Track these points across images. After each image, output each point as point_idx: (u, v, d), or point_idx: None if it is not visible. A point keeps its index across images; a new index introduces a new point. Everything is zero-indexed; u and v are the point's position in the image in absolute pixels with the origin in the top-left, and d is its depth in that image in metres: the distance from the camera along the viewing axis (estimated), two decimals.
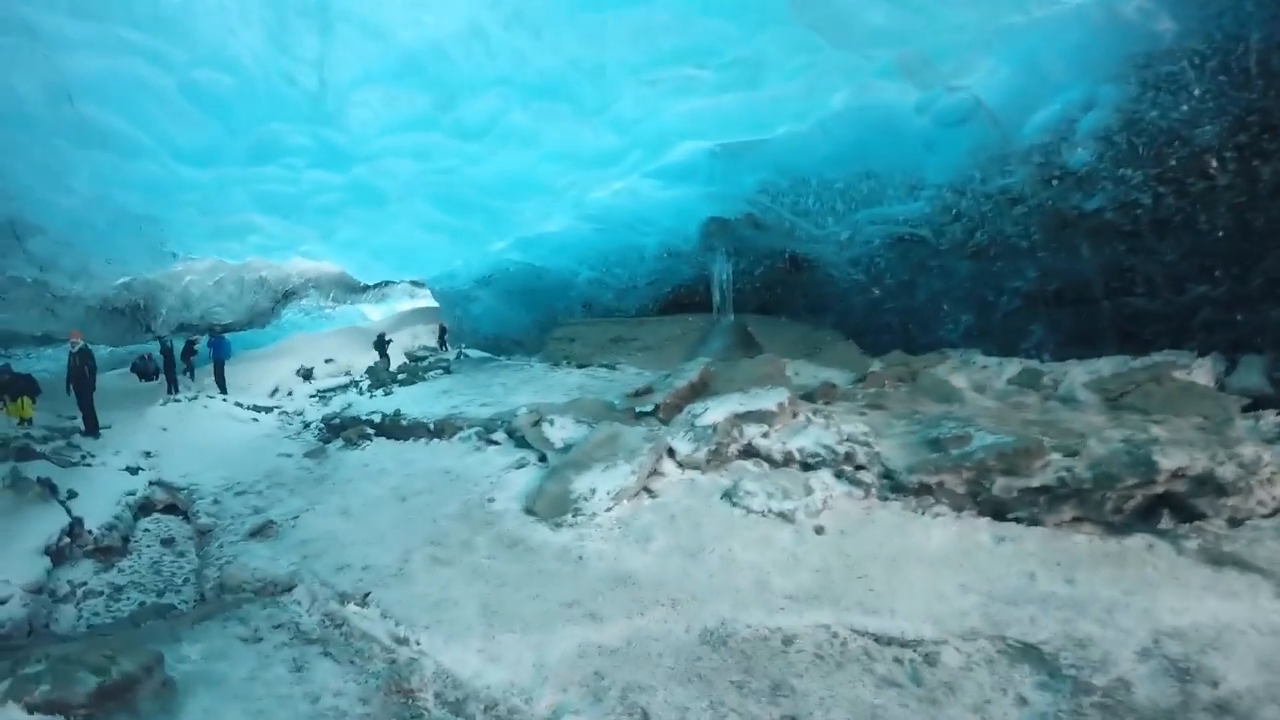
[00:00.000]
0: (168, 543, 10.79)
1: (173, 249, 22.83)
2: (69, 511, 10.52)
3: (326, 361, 32.89)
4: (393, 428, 13.50)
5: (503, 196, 19.87)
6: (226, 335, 26.14)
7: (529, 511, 7.96)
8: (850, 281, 16.81)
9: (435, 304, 36.80)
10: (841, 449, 8.00)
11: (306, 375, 30.16)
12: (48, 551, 9.22)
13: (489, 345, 28.67)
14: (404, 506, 9.15)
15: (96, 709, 4.51)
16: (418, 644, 5.79)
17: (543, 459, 9.35)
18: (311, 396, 22.48)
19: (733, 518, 7.23)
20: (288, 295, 35.82)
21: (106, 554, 10.04)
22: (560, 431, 9.47)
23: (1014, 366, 12.04)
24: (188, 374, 25.52)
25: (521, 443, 10.19)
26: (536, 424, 9.96)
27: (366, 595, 6.71)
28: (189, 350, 25.94)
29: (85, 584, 9.19)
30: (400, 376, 20.95)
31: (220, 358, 24.76)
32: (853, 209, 15.56)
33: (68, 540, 9.86)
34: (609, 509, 7.51)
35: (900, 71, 13.04)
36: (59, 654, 4.87)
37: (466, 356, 25.74)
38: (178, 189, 18.64)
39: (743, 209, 17.40)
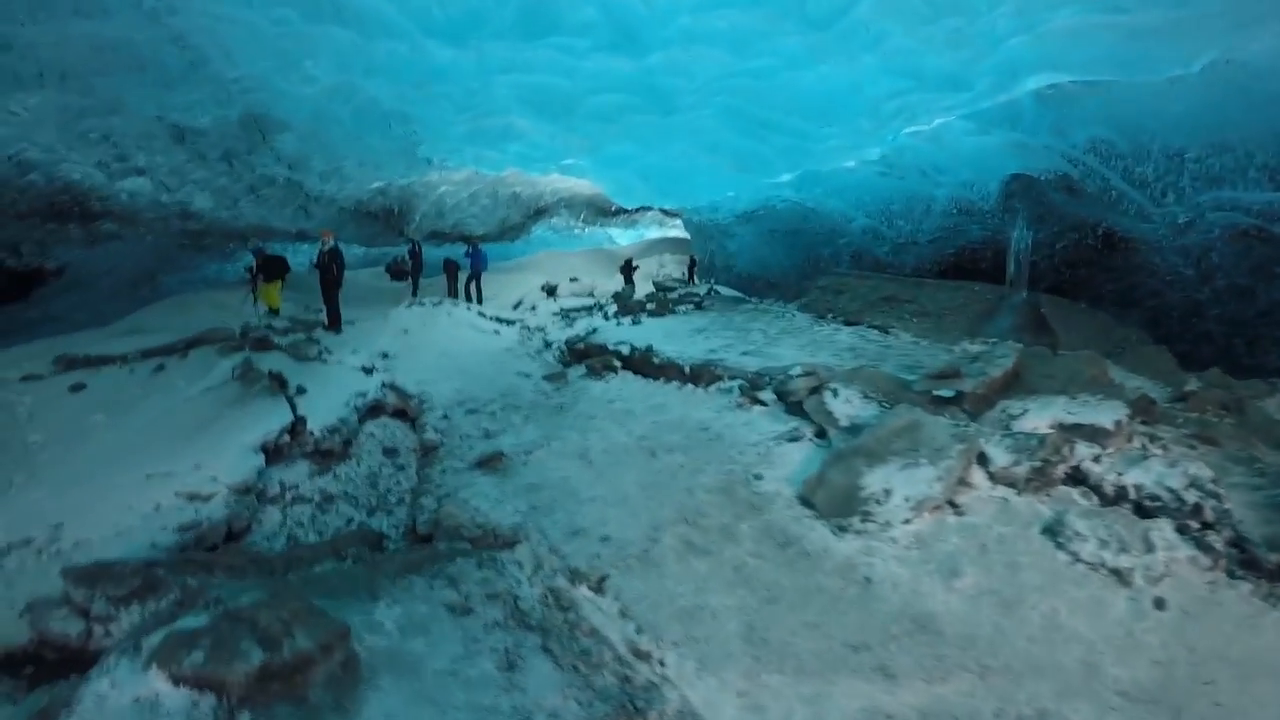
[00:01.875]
0: (390, 453, 10.54)
1: (426, 154, 22.27)
2: (294, 409, 10.39)
3: (571, 280, 33.06)
4: (642, 363, 12.55)
5: (814, 117, 17.81)
6: (481, 246, 26.22)
7: (805, 502, 6.66)
8: (1174, 274, 14.41)
9: (685, 235, 36.34)
10: (1189, 496, 6.22)
11: (551, 292, 30.04)
12: (264, 449, 9.22)
13: (742, 285, 27.30)
14: (653, 464, 8.03)
15: (257, 693, 3.47)
16: (661, 664, 4.72)
17: (821, 434, 7.97)
18: (555, 314, 22.04)
19: (1057, 563, 5.70)
20: (539, 212, 36.53)
21: (326, 457, 9.86)
22: (845, 406, 8.05)
23: None
24: (457, 288, 25.77)
25: (794, 409, 8.84)
26: (816, 391, 8.59)
27: (603, 579, 5.71)
28: (450, 265, 26.32)
29: (297, 487, 9.12)
30: (649, 306, 19.91)
31: (478, 268, 25.01)
32: (1199, 188, 13.16)
33: (288, 439, 9.76)
34: (906, 520, 6.11)
35: None
36: (229, 607, 3.90)
37: (718, 294, 24.55)
38: (430, 78, 17.02)
39: (1059, 168, 15.22)
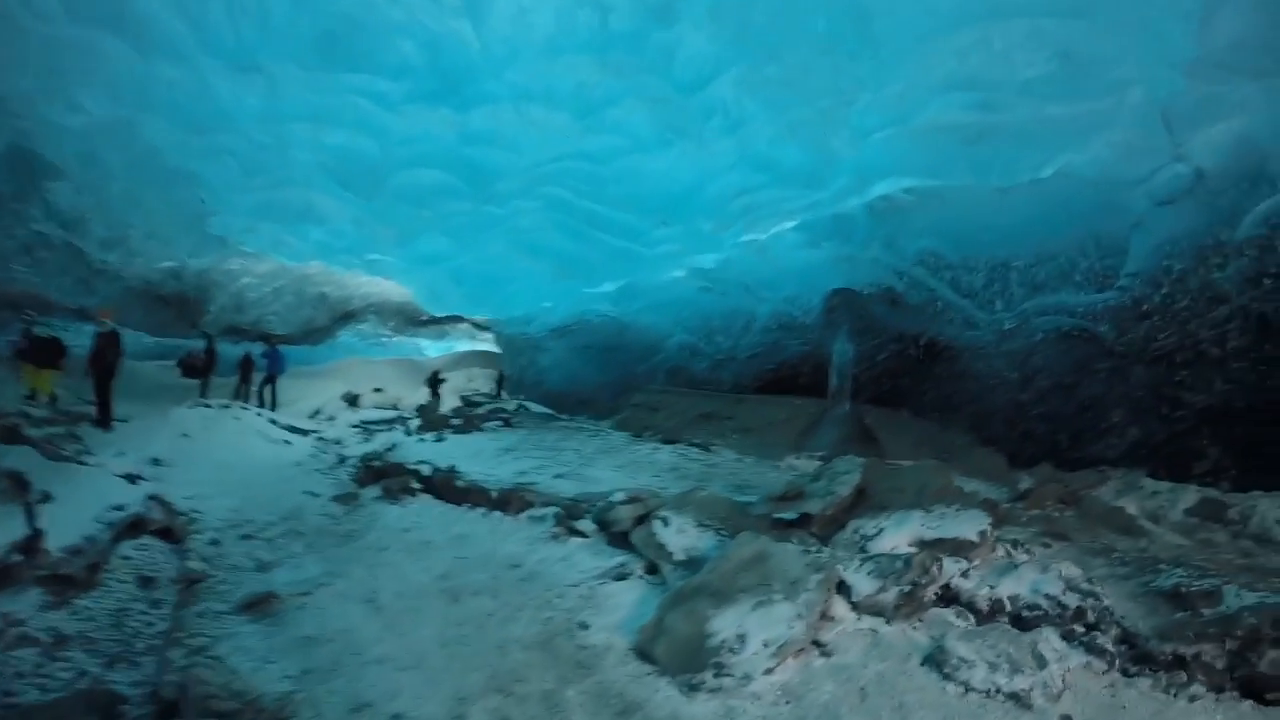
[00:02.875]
0: (146, 583, 8.35)
1: (219, 230, 20.67)
2: (31, 520, 8.24)
3: (375, 391, 32.30)
4: (444, 486, 11.16)
5: (651, 214, 17.24)
6: (280, 348, 24.47)
7: (643, 655, 5.49)
8: (997, 378, 14.39)
9: (496, 349, 35.71)
10: (1069, 600, 5.74)
11: (352, 402, 28.72)
12: None
13: (554, 401, 26.07)
14: (456, 611, 6.65)
15: None
16: None
17: (653, 570, 6.84)
18: (354, 426, 20.71)
19: (948, 697, 4.89)
20: (347, 316, 35.37)
21: (65, 585, 7.69)
22: (679, 536, 6.93)
23: (1190, 495, 9.91)
24: (249, 388, 23.50)
25: (618, 541, 7.70)
26: (643, 520, 7.47)
27: None
28: (246, 364, 23.76)
29: (23, 623, 6.94)
30: (455, 421, 18.69)
31: (274, 371, 23.29)
32: (1025, 295, 13.33)
33: (20, 558, 7.62)
34: (768, 669, 5.06)
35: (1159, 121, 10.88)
36: None
37: (527, 410, 23.45)
38: (215, 121, 15.36)
39: (884, 281, 15.17)
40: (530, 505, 9.44)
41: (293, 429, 18.96)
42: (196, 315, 27.54)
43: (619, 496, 8.29)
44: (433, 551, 8.56)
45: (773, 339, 18.38)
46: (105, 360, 14.95)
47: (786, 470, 11.79)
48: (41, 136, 15.57)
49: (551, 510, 8.98)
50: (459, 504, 10.45)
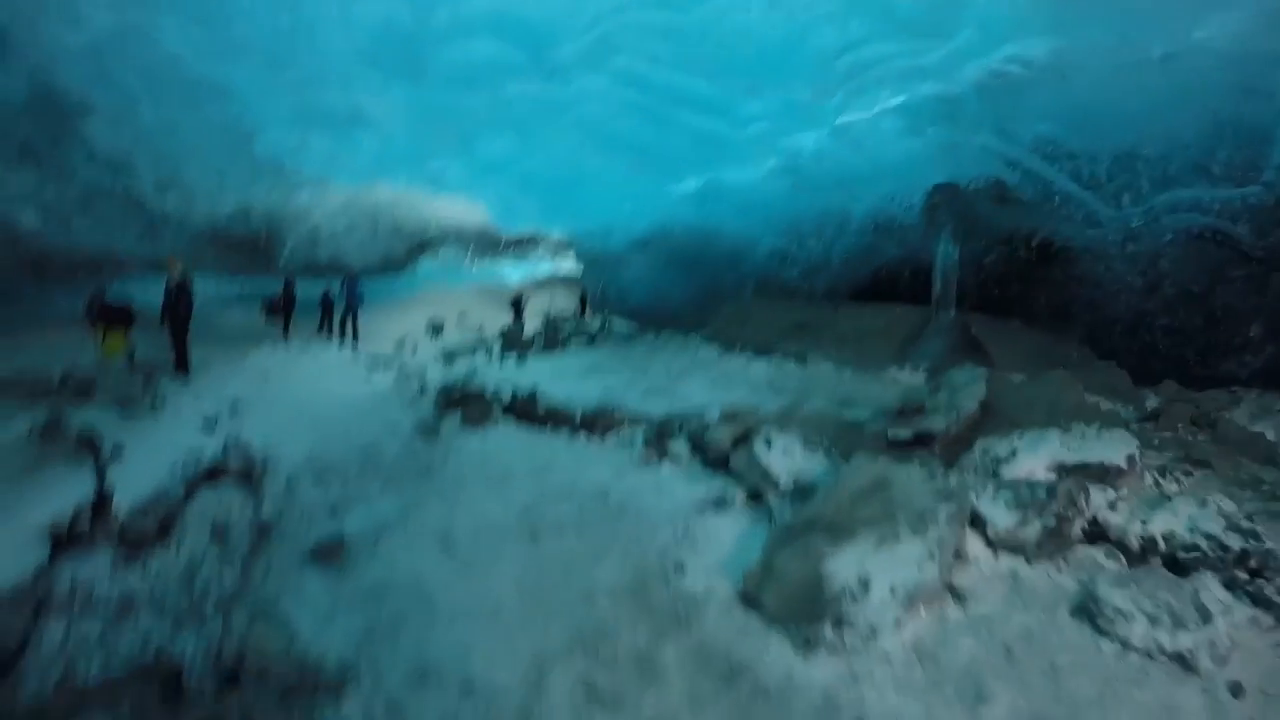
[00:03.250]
0: (219, 535, 7.99)
1: (267, 149, 19.88)
2: (101, 479, 8.13)
3: (459, 316, 31.67)
4: (526, 410, 10.52)
5: (740, 81, 15.55)
6: (358, 279, 23.83)
7: (749, 601, 4.78)
8: (1117, 284, 13.02)
9: (578, 269, 35.12)
10: (1231, 542, 4.81)
11: (436, 330, 27.99)
12: (54, 535, 6.98)
13: (638, 317, 25.37)
14: (536, 552, 6.05)
15: None
16: None
17: (755, 498, 6.14)
18: (437, 355, 19.93)
19: (1104, 657, 4.13)
20: (425, 245, 35.26)
21: (136, 544, 7.53)
22: (784, 459, 6.17)
23: None
24: (332, 324, 23.40)
25: (716, 464, 6.99)
26: (743, 440, 6.75)
27: None
28: (326, 300, 23.74)
29: (92, 589, 6.74)
30: (537, 343, 18.24)
31: (353, 304, 22.69)
32: (1156, 189, 11.84)
33: (88, 520, 7.48)
34: (898, 621, 4.32)
35: None
36: None
37: (611, 327, 22.72)
38: (227, 10, 14.39)
39: (993, 173, 13.84)
40: (617, 426, 8.77)
41: (376, 361, 18.40)
42: (272, 256, 27.26)
43: (714, 414, 7.56)
44: (513, 483, 7.88)
45: (869, 242, 17.15)
46: (178, 310, 14.69)
47: (890, 384, 10.94)
48: (58, 70, 14.90)
49: (640, 431, 8.31)
50: (541, 429, 9.86)
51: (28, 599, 6.27)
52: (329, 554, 6.63)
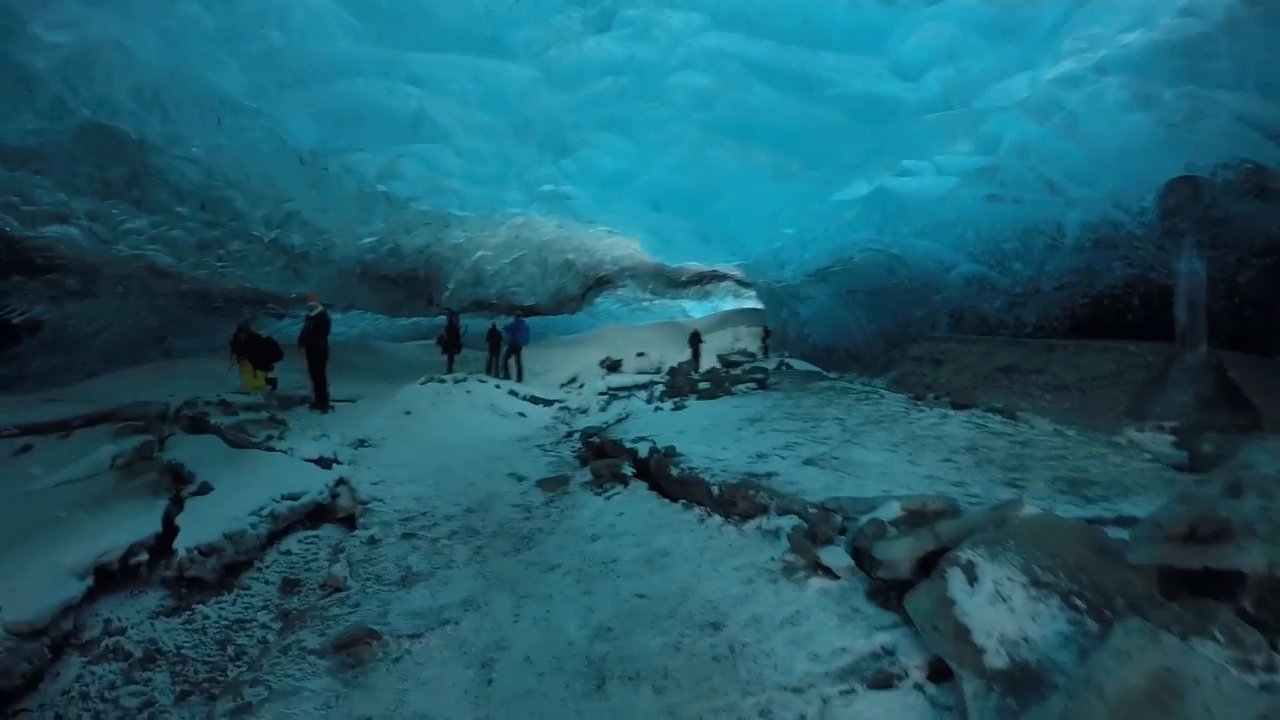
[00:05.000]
0: (289, 587, 7.55)
1: (348, 178, 18.97)
2: (171, 515, 7.89)
3: (638, 355, 31.62)
4: (660, 472, 8.79)
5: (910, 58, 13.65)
6: (526, 319, 24.83)
7: None
8: None
9: (760, 305, 33.81)
10: None
11: (612, 367, 28.40)
12: (103, 570, 6.87)
13: (818, 357, 23.21)
14: (591, 712, 4.23)
15: None
16: None
17: (940, 671, 3.84)
18: (601, 394, 19.04)
19: None
20: (601, 282, 35.28)
21: (191, 588, 7.27)
22: (995, 610, 3.67)
23: None
24: (498, 361, 24.24)
25: (885, 593, 4.68)
26: (931, 560, 4.39)
27: None
28: (494, 336, 24.31)
29: (124, 632, 6.49)
30: (702, 385, 16.50)
31: (517, 342, 23.50)
32: None
33: (144, 557, 7.28)
34: None
35: None
36: None
37: (789, 367, 20.74)
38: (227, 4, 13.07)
39: (1246, 154, 10.77)
40: (762, 511, 6.64)
41: (536, 399, 18.26)
42: (433, 293, 27.66)
43: (892, 508, 5.29)
44: (610, 580, 6.31)
45: (1088, 261, 14.00)
46: (315, 342, 14.79)
47: (1130, 451, 8.31)
48: (119, 110, 14.23)
49: (789, 522, 6.12)
50: (675, 499, 8.03)
51: (51, 633, 6.02)
52: (352, 648, 5.57)
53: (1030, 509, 4.95)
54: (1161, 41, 10.47)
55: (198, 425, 11.49)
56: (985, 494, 6.11)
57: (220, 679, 5.94)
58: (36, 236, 15.67)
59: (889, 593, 4.64)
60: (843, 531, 5.55)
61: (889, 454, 8.18)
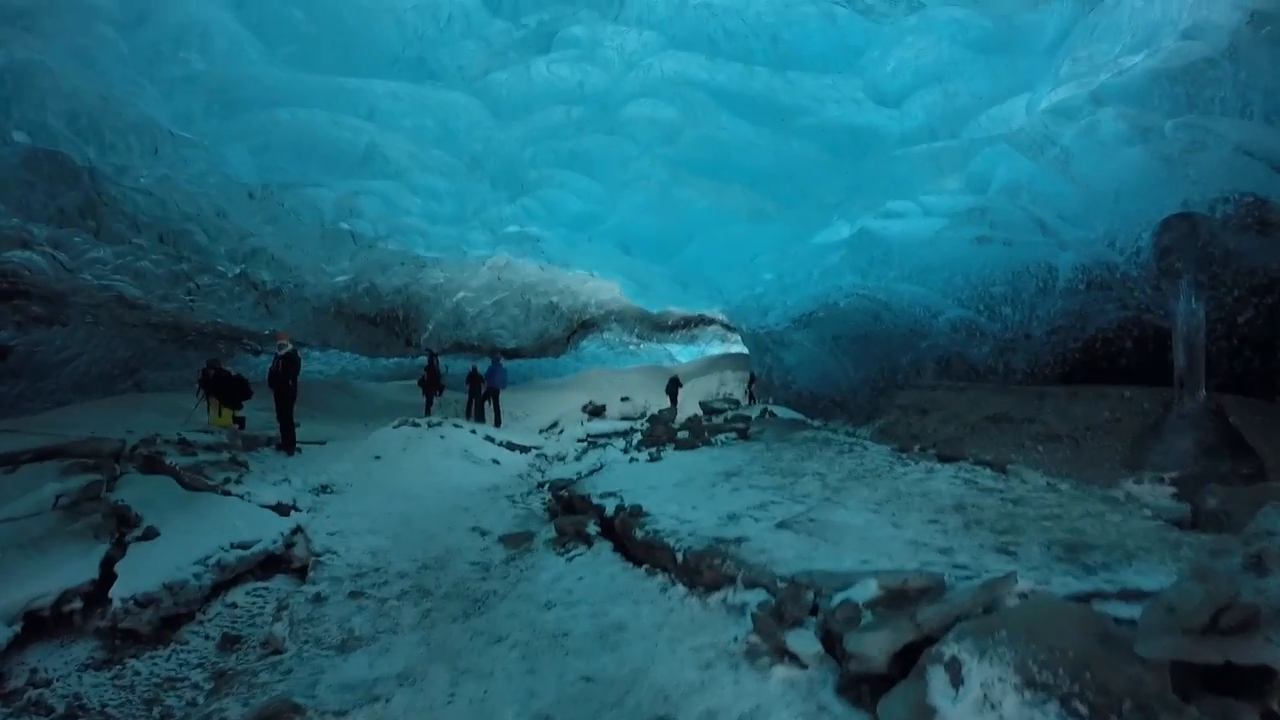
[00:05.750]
0: (230, 644, 7.20)
1: (304, 213, 18.65)
2: (112, 560, 7.69)
3: (622, 400, 31.28)
4: (625, 532, 8.35)
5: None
6: (504, 362, 24.51)
7: None
8: None
9: (745, 350, 33.68)
10: None
11: (595, 412, 27.93)
12: (27, 616, 6.68)
13: (803, 404, 22.54)
14: None
15: None
16: None
17: None
18: (580, 440, 19.00)
19: None
20: (585, 325, 35.17)
21: (126, 640, 7.00)
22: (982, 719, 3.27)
23: None
24: (475, 403, 23.64)
25: (858, 683, 4.03)
26: (910, 656, 3.73)
27: None
28: (473, 379, 23.81)
29: (50, 684, 6.25)
30: (681, 434, 16.03)
31: (494, 385, 22.86)
32: None
33: (78, 605, 7.09)
34: None
35: None
36: None
37: (772, 415, 20.18)
38: (150, 30, 12.49)
39: (1244, 187, 10.31)
40: (728, 582, 6.08)
41: (511, 446, 17.74)
42: (412, 333, 27.40)
43: (869, 587, 4.70)
44: (558, 657, 5.86)
45: (1080, 304, 13.57)
46: (283, 382, 14.48)
47: (1129, 509, 7.73)
48: (59, 135, 13.90)
49: (756, 597, 5.54)
50: (639, 564, 7.59)
51: None
52: None
53: (1024, 585, 4.37)
54: (1162, 69, 10.03)
55: (152, 465, 11.05)
56: (974, 563, 5.49)
57: None
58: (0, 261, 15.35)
59: (861, 687, 4.03)
60: (814, 610, 4.94)
61: (871, 514, 7.59)
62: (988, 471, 9.52)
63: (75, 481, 9.57)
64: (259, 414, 17.17)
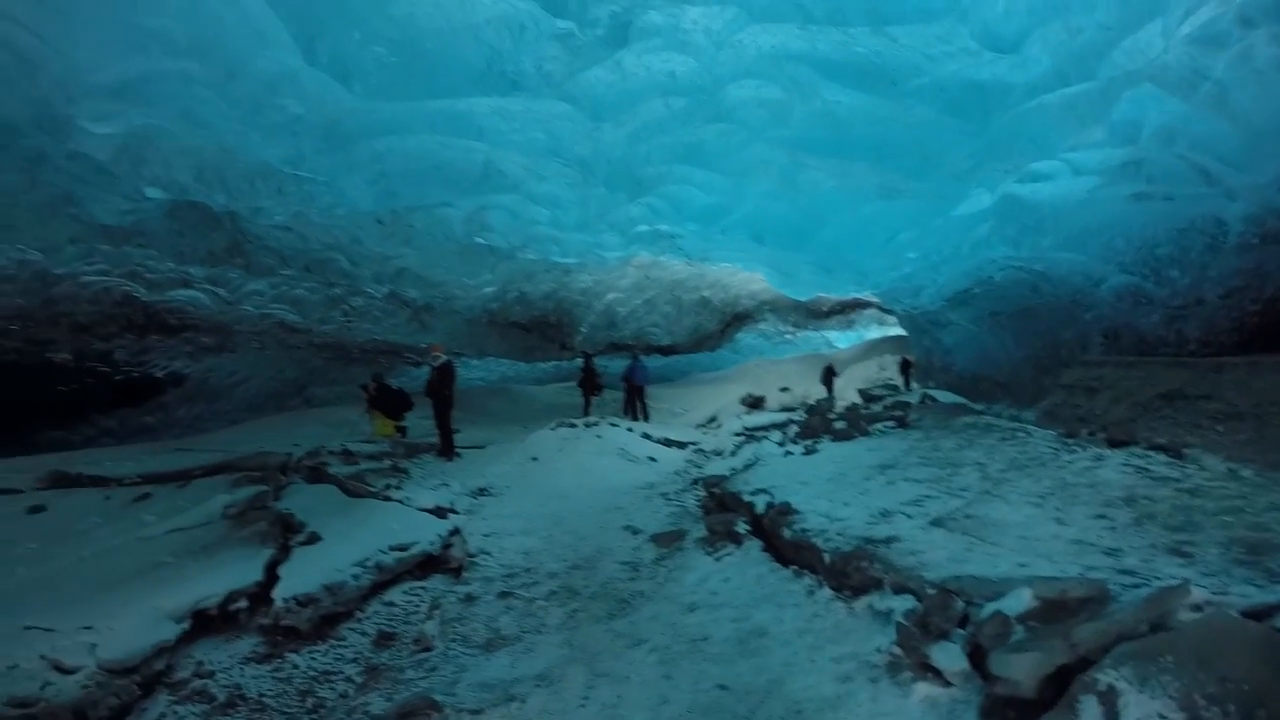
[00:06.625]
0: (385, 640, 7.48)
1: (434, 232, 18.83)
2: (276, 564, 8.12)
3: (781, 390, 31.54)
4: (773, 530, 8.13)
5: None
6: (644, 358, 24.23)
7: None
8: None
9: (904, 332, 32.80)
10: None
11: (754, 404, 28.19)
12: (200, 616, 7.14)
13: (964, 387, 21.76)
14: None
15: None
16: None
17: None
18: (737, 435, 18.54)
19: None
20: (739, 318, 34.66)
21: (286, 636, 7.39)
22: None
23: None
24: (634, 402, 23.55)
25: (1004, 708, 3.70)
26: (1065, 677, 3.42)
27: None
28: (628, 376, 23.55)
29: (213, 675, 6.66)
30: (837, 425, 15.47)
31: (636, 382, 22.82)
32: None
33: (243, 604, 7.51)
34: None
35: None
36: None
37: (932, 400, 19.45)
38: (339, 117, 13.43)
39: None
40: (875, 586, 5.83)
41: (668, 442, 17.67)
42: (565, 337, 27.84)
43: (1023, 597, 4.36)
44: (695, 663, 5.81)
45: (1255, 260, 12.25)
46: (440, 391, 15.03)
47: None
48: (158, 179, 14.26)
49: (903, 604, 5.26)
50: (787, 564, 7.42)
51: (142, 671, 6.33)
52: (409, 719, 5.57)
53: (1198, 594, 3.96)
54: None
55: (317, 475, 11.56)
56: (1144, 567, 5.05)
57: None
58: (166, 300, 16.43)
59: (1007, 713, 3.72)
60: (963, 621, 4.63)
61: (1033, 509, 7.14)
62: (1161, 457, 8.83)
63: (243, 493, 10.24)
64: (421, 423, 17.75)
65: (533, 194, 17.42)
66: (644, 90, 14.49)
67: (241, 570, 7.81)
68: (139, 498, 10.66)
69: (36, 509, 10.00)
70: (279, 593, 7.47)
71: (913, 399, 20.54)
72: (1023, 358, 18.44)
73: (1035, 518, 6.86)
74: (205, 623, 7.15)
